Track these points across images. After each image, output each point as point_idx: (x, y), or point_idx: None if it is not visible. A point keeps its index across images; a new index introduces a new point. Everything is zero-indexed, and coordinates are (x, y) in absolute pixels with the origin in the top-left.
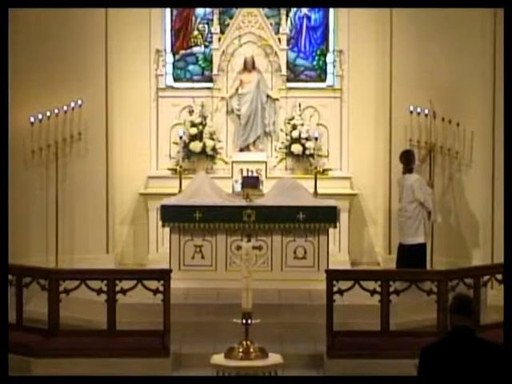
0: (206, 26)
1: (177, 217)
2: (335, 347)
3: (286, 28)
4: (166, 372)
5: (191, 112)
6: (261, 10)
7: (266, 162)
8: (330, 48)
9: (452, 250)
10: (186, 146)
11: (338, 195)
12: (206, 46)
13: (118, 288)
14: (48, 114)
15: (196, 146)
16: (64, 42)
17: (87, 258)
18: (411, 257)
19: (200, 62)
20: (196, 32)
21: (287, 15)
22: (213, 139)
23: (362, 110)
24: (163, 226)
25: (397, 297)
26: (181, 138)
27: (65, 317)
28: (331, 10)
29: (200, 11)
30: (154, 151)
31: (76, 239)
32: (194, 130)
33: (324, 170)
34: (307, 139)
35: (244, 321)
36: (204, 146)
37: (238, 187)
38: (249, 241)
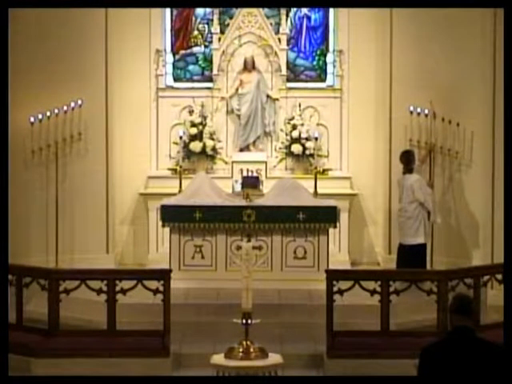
0: (206, 25)
1: (177, 217)
2: (335, 347)
3: (286, 28)
4: (166, 372)
5: (191, 112)
6: (261, 9)
7: (266, 162)
8: (330, 48)
9: (452, 250)
10: (185, 146)
11: (338, 195)
12: (206, 46)
13: (118, 288)
14: (48, 114)
15: (196, 145)
16: (64, 42)
17: (87, 258)
18: (411, 257)
19: (200, 62)
20: (196, 32)
21: (287, 15)
22: (213, 139)
23: (361, 110)
24: (163, 226)
25: (397, 297)
26: (181, 138)
27: (65, 317)
28: (331, 10)
29: (200, 11)
30: (154, 151)
31: (76, 239)
32: (193, 130)
33: (324, 170)
34: (307, 139)
35: (244, 321)
36: (204, 146)
37: (238, 187)
38: (249, 241)
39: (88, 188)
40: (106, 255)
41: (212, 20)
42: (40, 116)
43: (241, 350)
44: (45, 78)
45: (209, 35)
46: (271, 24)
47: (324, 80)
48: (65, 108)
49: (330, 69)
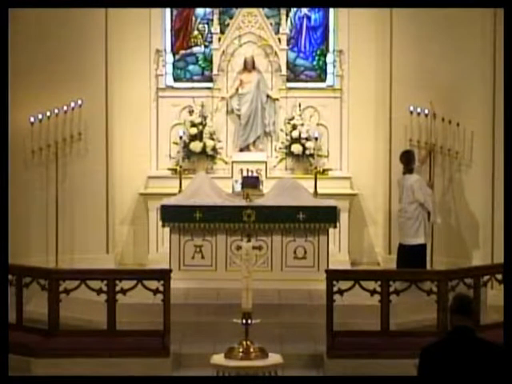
0: (206, 25)
1: (177, 217)
2: (335, 347)
3: (285, 28)
4: (166, 372)
5: (191, 112)
6: (261, 9)
7: (266, 162)
8: (330, 48)
9: (452, 250)
10: (186, 146)
11: (338, 195)
12: (206, 46)
13: (118, 288)
14: (48, 113)
15: (196, 145)
16: (64, 42)
17: (87, 258)
18: (411, 257)
19: (200, 62)
20: (196, 32)
21: (287, 15)
22: (213, 139)
23: (362, 109)
24: (163, 226)
25: (397, 297)
26: (181, 138)
27: (65, 317)
28: (331, 10)
29: (200, 11)
30: (153, 151)
31: (76, 239)
32: (194, 130)
33: (324, 170)
34: (307, 139)
35: (244, 321)
36: (204, 146)
37: (238, 187)
38: (249, 241)
39: (88, 188)
40: (106, 255)
41: (212, 20)
42: (40, 116)
43: (241, 350)
44: (45, 78)
45: (209, 35)
46: (271, 24)
47: (324, 80)
48: (65, 108)
49: (329, 69)
